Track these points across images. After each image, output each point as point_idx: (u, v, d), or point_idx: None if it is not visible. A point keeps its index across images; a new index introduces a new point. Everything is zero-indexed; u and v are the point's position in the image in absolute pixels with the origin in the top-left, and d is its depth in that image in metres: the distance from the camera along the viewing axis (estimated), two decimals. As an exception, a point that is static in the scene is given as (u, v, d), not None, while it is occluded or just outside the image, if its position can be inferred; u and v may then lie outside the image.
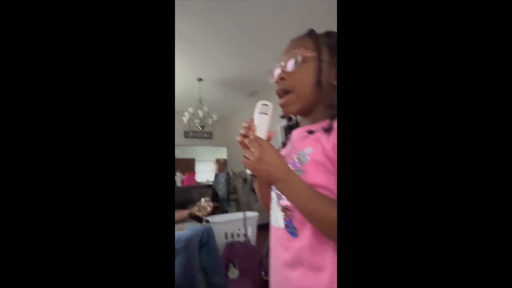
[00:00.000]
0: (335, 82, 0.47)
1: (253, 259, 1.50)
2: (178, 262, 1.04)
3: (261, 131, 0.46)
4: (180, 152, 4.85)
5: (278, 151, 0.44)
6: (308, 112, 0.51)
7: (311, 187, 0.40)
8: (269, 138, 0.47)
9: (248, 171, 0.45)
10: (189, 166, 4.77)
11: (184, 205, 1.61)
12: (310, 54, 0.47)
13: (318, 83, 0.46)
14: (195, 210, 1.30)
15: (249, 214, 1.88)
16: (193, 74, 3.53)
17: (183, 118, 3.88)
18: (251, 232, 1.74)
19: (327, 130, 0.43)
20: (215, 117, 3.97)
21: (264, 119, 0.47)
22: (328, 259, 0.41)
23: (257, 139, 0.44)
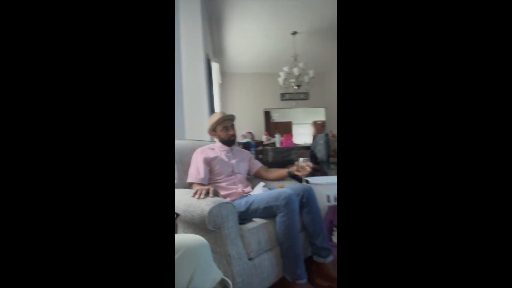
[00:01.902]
0: None
1: (360, 226, 1.33)
2: (279, 219, 1.01)
3: None
4: (277, 116, 4.95)
5: None
6: None
7: None
8: None
9: None
10: (287, 128, 4.80)
11: (283, 166, 1.59)
12: None
13: None
14: (294, 169, 1.23)
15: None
16: (286, 29, 3.28)
17: (279, 79, 3.79)
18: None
19: None
20: (311, 73, 3.66)
21: None
22: None
23: None
